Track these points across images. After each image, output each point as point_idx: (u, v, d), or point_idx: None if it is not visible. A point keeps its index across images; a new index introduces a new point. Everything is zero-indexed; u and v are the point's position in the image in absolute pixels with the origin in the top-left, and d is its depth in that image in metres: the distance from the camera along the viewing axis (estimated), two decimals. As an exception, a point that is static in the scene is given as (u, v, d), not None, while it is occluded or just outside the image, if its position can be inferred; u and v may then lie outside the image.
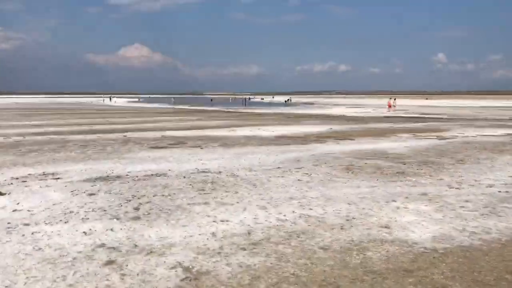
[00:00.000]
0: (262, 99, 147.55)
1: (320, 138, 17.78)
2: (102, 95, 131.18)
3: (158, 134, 19.58)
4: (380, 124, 25.90)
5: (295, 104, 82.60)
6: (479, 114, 39.49)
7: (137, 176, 9.38)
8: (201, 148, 14.43)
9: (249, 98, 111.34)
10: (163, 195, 7.55)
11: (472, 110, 50.22)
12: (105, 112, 43.07)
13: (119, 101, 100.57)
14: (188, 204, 6.96)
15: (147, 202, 7.05)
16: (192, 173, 9.82)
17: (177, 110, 51.15)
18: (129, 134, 19.31)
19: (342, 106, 66.67)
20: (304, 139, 17.26)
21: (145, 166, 10.69)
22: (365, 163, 11.11)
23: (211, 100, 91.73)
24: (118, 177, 9.34)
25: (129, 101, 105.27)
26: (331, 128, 22.60)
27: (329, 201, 7.18)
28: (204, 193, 7.75)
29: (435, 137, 18.28)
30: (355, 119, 31.98)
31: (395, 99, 54.87)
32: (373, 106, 67.62)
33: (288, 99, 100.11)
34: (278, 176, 9.36)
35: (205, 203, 7.02)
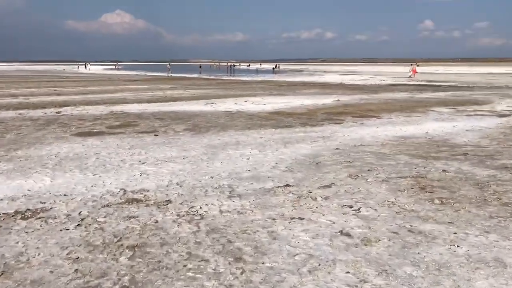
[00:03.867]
0: (248, 65, 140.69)
1: (332, 114, 12.64)
2: (78, 63, 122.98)
3: (107, 109, 14.26)
4: (394, 94, 20.82)
5: (283, 71, 76.75)
6: (495, 82, 34.57)
7: (-27, 222, 4.18)
8: (156, 134, 9.20)
9: (234, 65, 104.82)
10: None
11: (480, 77, 45.29)
12: (65, 81, 37.15)
13: (94, 68, 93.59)
14: None
15: None
16: (107, 205, 4.65)
17: (149, 77, 45.21)
18: (66, 109, 13.98)
19: (335, 73, 61.28)
20: (310, 117, 12.10)
21: (25, 183, 5.47)
22: (445, 172, 6.02)
23: (200, 67, 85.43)
24: None
25: (105, 68, 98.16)
26: (338, 100, 17.46)
27: None
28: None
29: (488, 112, 13.29)
30: (359, 87, 26.83)
31: (416, 65, 48.57)
32: (368, 73, 62.36)
33: (275, 66, 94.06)
34: (293, 218, 4.25)
35: None
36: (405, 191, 5.12)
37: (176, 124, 10.73)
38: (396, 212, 4.38)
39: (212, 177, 5.77)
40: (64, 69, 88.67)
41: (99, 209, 4.52)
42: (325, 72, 70.30)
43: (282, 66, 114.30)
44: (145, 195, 4.99)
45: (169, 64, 68.74)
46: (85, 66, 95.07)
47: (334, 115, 12.60)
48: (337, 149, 7.65)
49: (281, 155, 7.17)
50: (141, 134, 9.22)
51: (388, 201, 4.75)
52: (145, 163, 6.63)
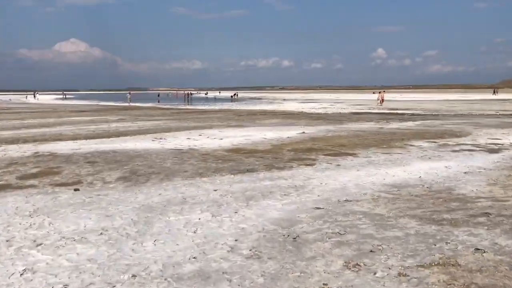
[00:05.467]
0: (206, 93, 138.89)
1: (300, 152, 10.79)
2: (27, 92, 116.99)
3: (33, 148, 11.89)
4: (361, 125, 19.34)
5: (242, 99, 75.28)
6: (456, 109, 34.12)
7: None
8: (77, 189, 6.98)
9: (191, 94, 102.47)
10: None
11: (439, 104, 45.24)
12: (3, 112, 34.10)
13: (44, 98, 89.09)
14: None
15: None
16: None
17: (100, 107, 42.36)
18: (-19, 151, 11.49)
19: (294, 101, 60.45)
20: (276, 156, 10.19)
21: None
22: (481, 254, 4.15)
23: (158, 95, 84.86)
24: None
25: (56, 98, 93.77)
26: (303, 132, 15.72)
27: None
28: None
29: (473, 146, 11.82)
30: (322, 117, 25.39)
31: (383, 92, 47.66)
32: (326, 100, 61.78)
33: (234, 94, 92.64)
34: None
35: None
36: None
37: (110, 170, 8.54)
38: None
39: (134, 277, 3.67)
40: (10, 99, 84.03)
41: None
42: (284, 100, 69.43)
43: (241, 94, 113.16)
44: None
45: (129, 93, 65.36)
46: (34, 96, 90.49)
47: (303, 152, 10.76)
48: (317, 208, 5.71)
49: (242, 222, 5.16)
50: (58, 189, 6.99)
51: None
52: (41, 244, 4.45)
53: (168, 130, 17.07)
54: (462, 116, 24.82)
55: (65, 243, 4.51)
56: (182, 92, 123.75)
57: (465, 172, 8.15)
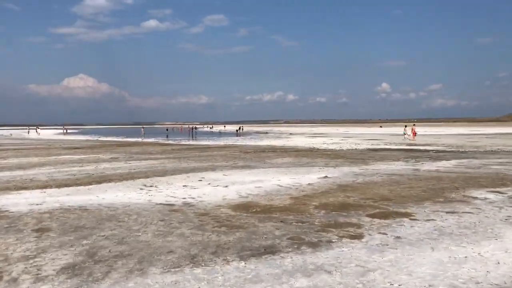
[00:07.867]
0: (211, 127, 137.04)
1: (333, 211, 7.92)
2: (29, 127, 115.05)
3: (-19, 203, 9.09)
4: (390, 166, 16.50)
5: (247, 133, 72.84)
6: (480, 144, 31.20)
7: None
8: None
9: (196, 128, 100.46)
10: None
11: (458, 139, 42.40)
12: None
13: (45, 133, 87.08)
14: None
15: None
16: None
17: (98, 143, 39.64)
18: None
19: (302, 135, 57.81)
20: (301, 218, 7.32)
21: None
22: None
23: (167, 130, 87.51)
24: None
25: (58, 133, 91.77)
26: (326, 176, 12.90)
27: None
28: None
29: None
30: (339, 154, 22.55)
31: (413, 126, 44.94)
32: (335, 135, 59.13)
33: (239, 128, 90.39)
34: None
35: None
36: None
37: (60, 247, 5.70)
38: None
39: None
40: (11, 134, 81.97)
41: None
42: (291, 134, 66.90)
43: (246, 127, 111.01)
44: None
45: (143, 128, 65.20)
46: (36, 130, 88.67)
47: (337, 212, 7.89)
48: None
49: None
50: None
51: None
52: None
53: (163, 173, 14.27)
54: (496, 154, 21.87)
55: None
56: (187, 126, 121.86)
57: None
